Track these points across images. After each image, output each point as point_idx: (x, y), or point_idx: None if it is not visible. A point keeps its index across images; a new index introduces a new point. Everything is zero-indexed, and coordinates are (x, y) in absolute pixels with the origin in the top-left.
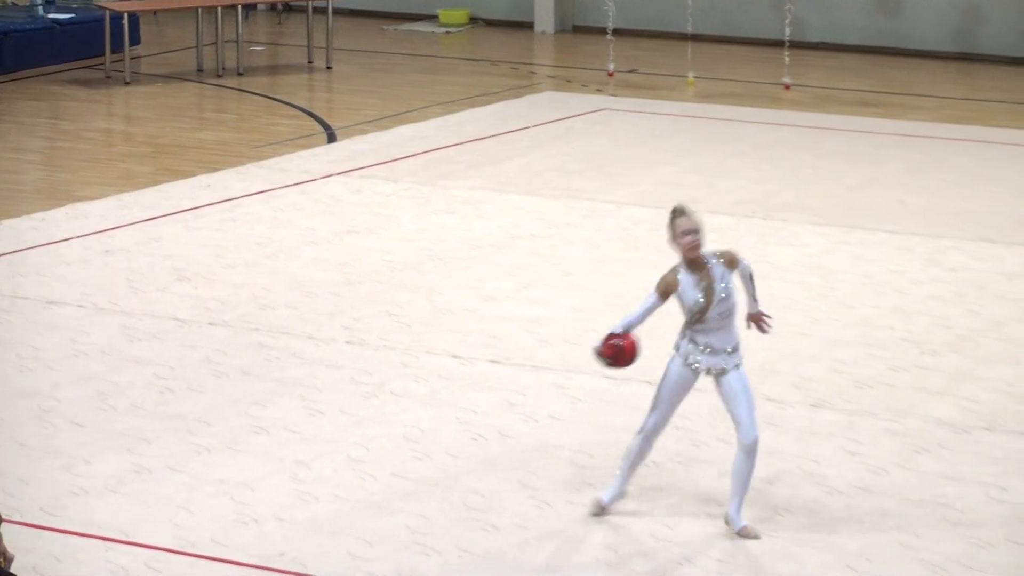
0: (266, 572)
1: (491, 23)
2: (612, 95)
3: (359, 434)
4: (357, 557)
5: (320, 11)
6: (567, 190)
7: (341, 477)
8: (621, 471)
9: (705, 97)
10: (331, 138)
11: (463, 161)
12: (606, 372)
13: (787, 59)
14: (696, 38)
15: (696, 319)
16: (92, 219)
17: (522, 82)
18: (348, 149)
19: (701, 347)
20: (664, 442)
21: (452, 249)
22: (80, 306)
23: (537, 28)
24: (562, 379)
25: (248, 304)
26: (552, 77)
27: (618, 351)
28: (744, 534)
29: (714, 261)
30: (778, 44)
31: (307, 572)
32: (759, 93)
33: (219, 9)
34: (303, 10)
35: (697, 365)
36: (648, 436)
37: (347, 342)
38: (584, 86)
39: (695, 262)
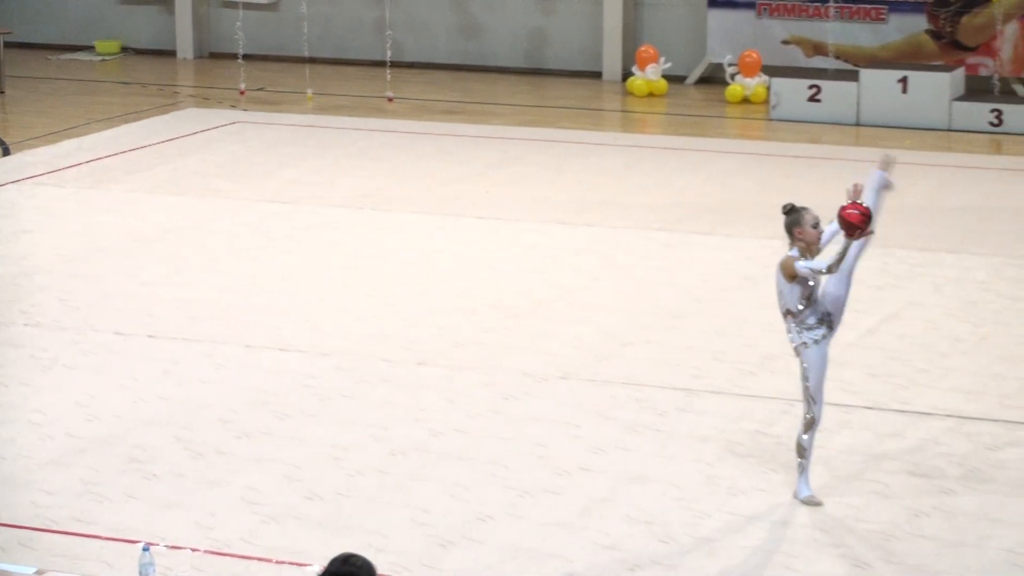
0: None
1: (140, 51)
2: (244, 110)
3: (38, 401)
4: (39, 505)
5: None
6: (209, 190)
7: (24, 438)
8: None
9: (322, 110)
10: (6, 152)
11: (120, 168)
12: (247, 342)
13: (389, 76)
14: (313, 60)
15: (808, 302)
16: None
17: (168, 101)
18: (22, 161)
19: (813, 329)
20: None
21: (114, 242)
22: None
23: (179, 55)
24: (209, 349)
25: None
26: (193, 96)
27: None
28: (808, 502)
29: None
30: (381, 64)
31: None
32: (367, 105)
33: None
34: None
35: (827, 338)
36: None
37: (25, 324)
38: (220, 103)
39: (810, 250)
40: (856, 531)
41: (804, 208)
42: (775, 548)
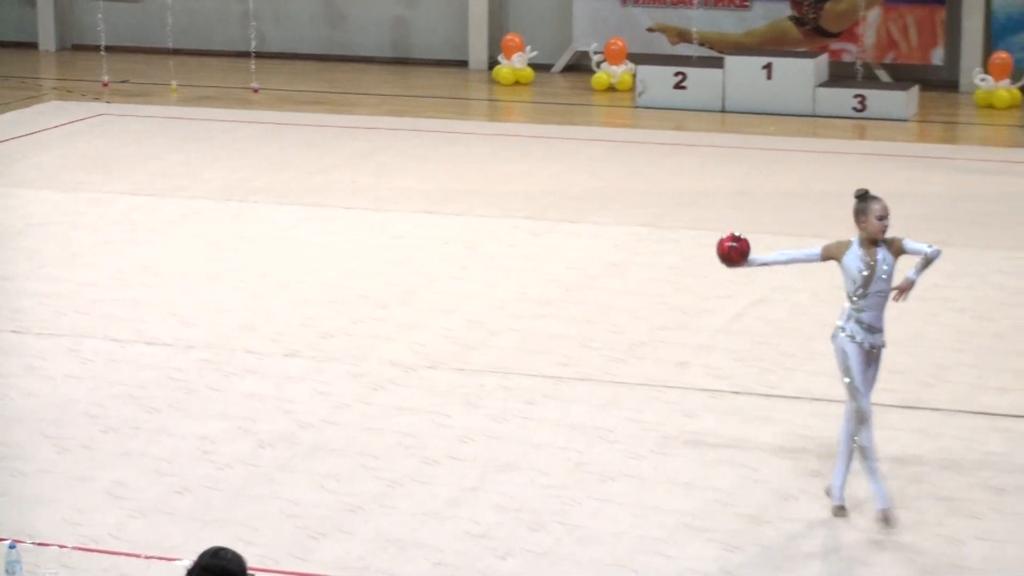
0: None
1: (1, 44)
2: (108, 102)
3: None
4: None
5: None
6: (73, 184)
7: None
8: (842, 465)
9: (187, 101)
10: None
11: None
12: (113, 336)
13: (254, 67)
14: (177, 52)
15: (860, 293)
16: None
17: (30, 94)
18: None
19: (863, 325)
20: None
21: None
22: None
23: (41, 47)
24: (74, 344)
25: None
26: (56, 89)
27: (731, 251)
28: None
29: (883, 245)
30: (246, 55)
31: None
32: (232, 96)
33: None
34: None
35: (862, 342)
36: (866, 420)
37: None
38: (84, 96)
39: (873, 242)
40: (726, 515)
41: (874, 196)
42: (646, 533)
